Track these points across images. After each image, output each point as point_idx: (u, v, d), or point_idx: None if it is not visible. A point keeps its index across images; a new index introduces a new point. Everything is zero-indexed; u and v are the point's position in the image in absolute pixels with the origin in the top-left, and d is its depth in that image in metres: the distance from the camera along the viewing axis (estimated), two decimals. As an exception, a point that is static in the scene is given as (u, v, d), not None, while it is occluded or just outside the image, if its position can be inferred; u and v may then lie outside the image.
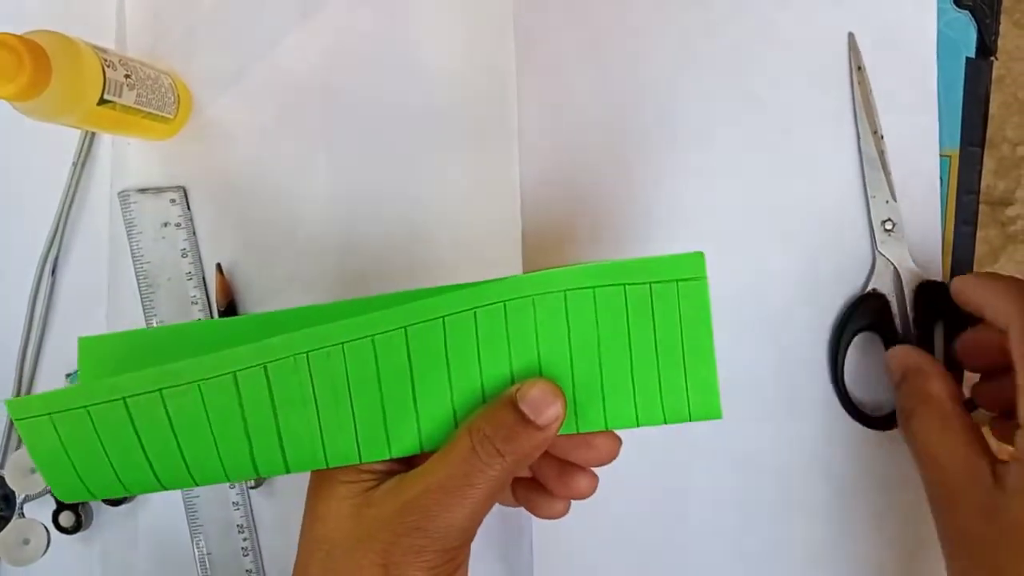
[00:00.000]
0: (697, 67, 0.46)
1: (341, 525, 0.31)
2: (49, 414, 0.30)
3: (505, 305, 0.32)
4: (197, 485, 0.32)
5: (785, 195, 0.46)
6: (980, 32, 0.46)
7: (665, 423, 0.33)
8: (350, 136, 0.46)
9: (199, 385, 0.30)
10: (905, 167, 0.46)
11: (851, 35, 0.46)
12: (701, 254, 0.32)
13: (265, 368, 0.31)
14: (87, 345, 0.34)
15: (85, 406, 0.30)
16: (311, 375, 0.31)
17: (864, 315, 0.45)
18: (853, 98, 0.46)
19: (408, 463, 0.33)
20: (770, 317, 0.46)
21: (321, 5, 0.45)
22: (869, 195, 0.45)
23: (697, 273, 0.32)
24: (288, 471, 0.32)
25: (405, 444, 0.32)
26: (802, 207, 0.46)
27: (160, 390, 0.30)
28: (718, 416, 0.33)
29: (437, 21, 0.46)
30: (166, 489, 0.32)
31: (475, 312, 0.31)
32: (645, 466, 0.46)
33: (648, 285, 0.32)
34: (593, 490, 0.36)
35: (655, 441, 0.44)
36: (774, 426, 0.46)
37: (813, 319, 0.46)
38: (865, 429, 0.46)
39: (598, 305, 0.32)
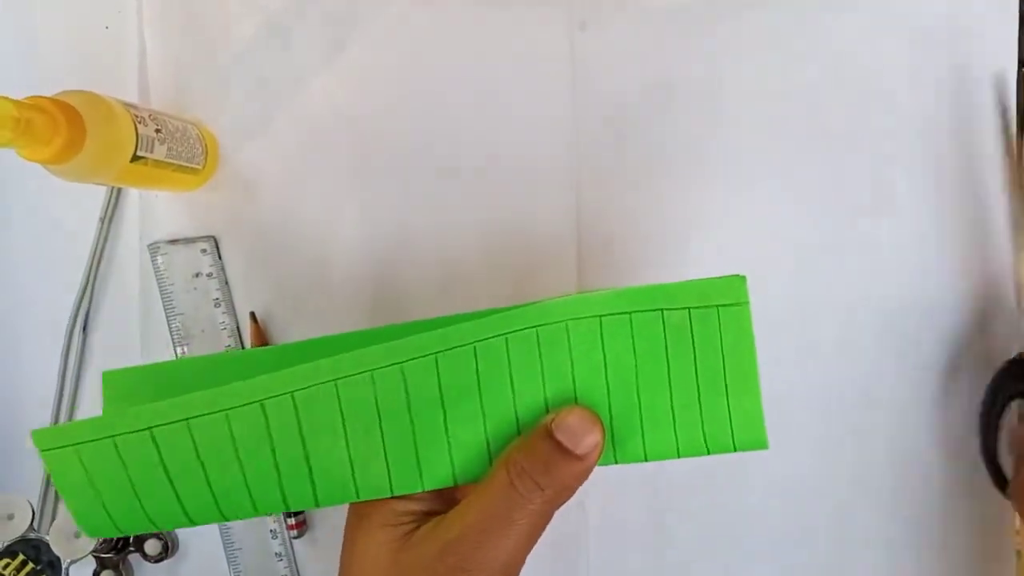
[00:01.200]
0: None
1: (380, 571, 0.30)
2: (75, 444, 0.29)
3: (537, 331, 0.30)
4: (225, 520, 0.31)
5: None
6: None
7: (708, 454, 0.32)
8: (378, 177, 0.45)
9: (227, 414, 0.30)
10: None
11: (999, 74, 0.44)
12: (743, 278, 0.31)
13: (292, 396, 0.30)
14: (111, 379, 0.33)
15: (111, 436, 0.29)
16: (340, 404, 0.30)
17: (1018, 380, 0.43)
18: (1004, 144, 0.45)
19: (447, 503, 0.32)
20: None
21: (345, 47, 0.45)
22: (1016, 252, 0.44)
23: (739, 298, 0.31)
24: (318, 504, 0.31)
25: (438, 476, 0.31)
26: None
27: (187, 419, 0.29)
28: (764, 446, 0.31)
29: (469, 58, 0.45)
30: (193, 524, 0.31)
31: (507, 338, 0.30)
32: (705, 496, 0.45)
33: (687, 310, 0.31)
34: None
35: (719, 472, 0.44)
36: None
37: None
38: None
39: (635, 331, 0.31)
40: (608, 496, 0.46)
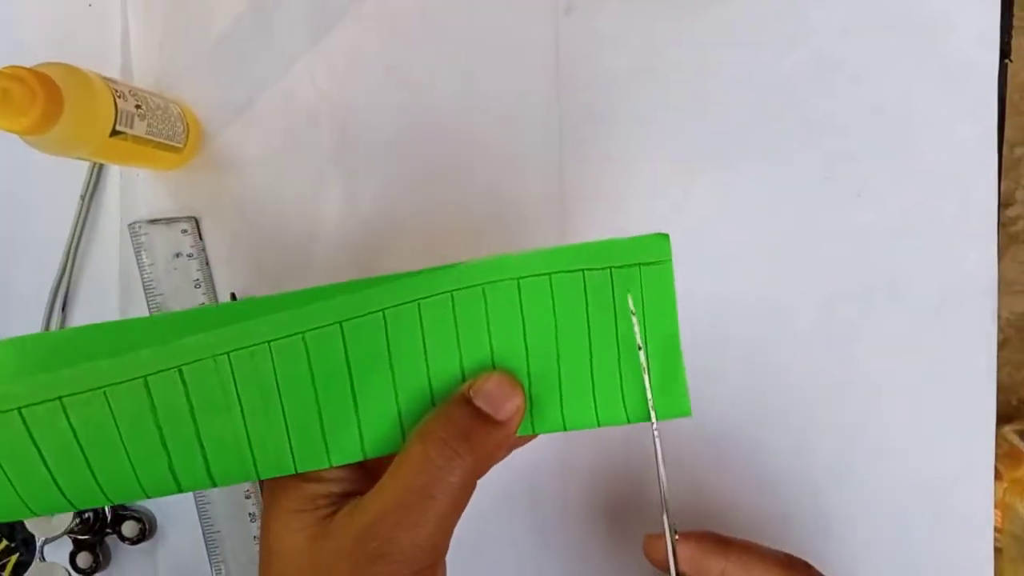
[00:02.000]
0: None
1: (298, 561, 0.29)
2: None
3: (452, 295, 0.29)
4: (111, 502, 0.29)
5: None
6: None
7: (628, 422, 0.30)
8: (361, 159, 0.45)
9: (104, 392, 0.27)
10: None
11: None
12: (666, 235, 0.29)
13: (180, 371, 0.27)
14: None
15: None
16: (234, 377, 0.28)
17: None
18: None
19: (365, 483, 0.30)
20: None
21: (329, 29, 0.45)
22: None
23: (661, 256, 0.29)
24: (215, 484, 0.29)
25: (346, 451, 0.29)
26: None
27: (60, 398, 0.27)
28: (687, 413, 0.30)
29: (453, 41, 0.45)
30: (75, 508, 0.28)
31: (419, 304, 0.29)
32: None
33: (608, 270, 0.29)
34: None
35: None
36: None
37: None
38: None
39: (555, 293, 0.29)
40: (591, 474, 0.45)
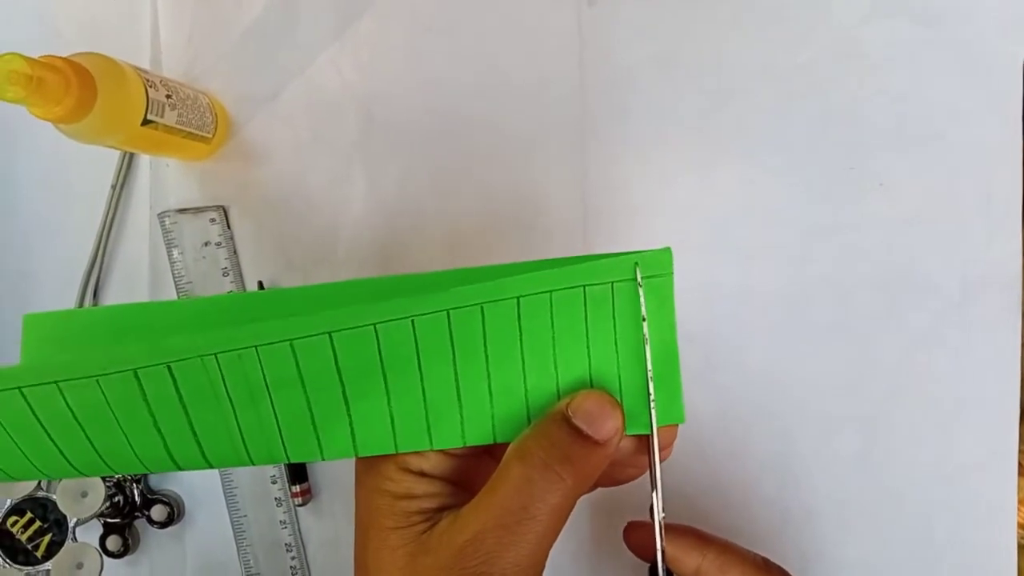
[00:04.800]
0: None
1: None
2: None
3: (449, 314, 0.29)
4: (116, 473, 0.30)
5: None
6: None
7: (627, 433, 0.30)
8: (386, 149, 0.46)
9: (97, 380, 0.28)
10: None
11: None
12: (668, 249, 0.29)
13: (169, 367, 0.28)
14: (32, 322, 0.32)
15: None
16: (222, 374, 0.28)
17: None
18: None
19: (459, 496, 0.30)
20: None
21: (354, 21, 0.45)
22: None
23: (664, 270, 0.29)
24: (211, 466, 0.30)
25: (338, 448, 0.30)
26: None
27: (56, 383, 0.28)
28: (681, 420, 0.30)
29: (477, 33, 0.46)
30: (84, 475, 0.30)
31: (413, 320, 0.29)
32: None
33: (610, 284, 0.29)
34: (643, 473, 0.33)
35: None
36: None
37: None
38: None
39: (554, 310, 0.29)
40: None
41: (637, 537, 0.34)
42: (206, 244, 0.46)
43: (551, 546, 0.28)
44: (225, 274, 0.46)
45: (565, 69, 0.45)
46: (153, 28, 0.46)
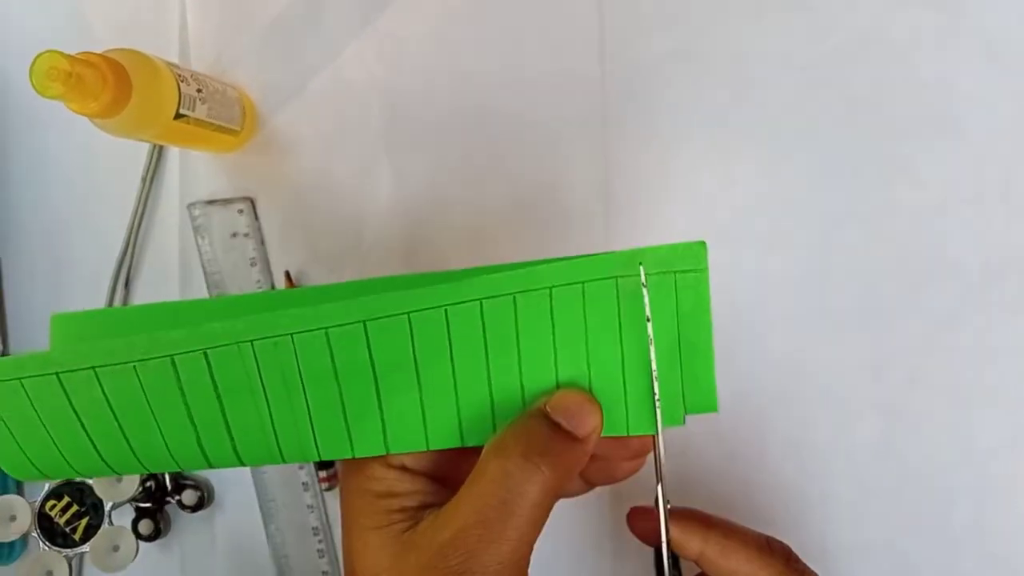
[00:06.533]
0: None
1: None
2: None
3: (482, 303, 0.29)
4: (148, 471, 0.30)
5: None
6: None
7: (655, 430, 0.30)
8: (410, 141, 0.46)
9: (135, 366, 0.28)
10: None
11: None
12: (703, 243, 0.29)
13: (205, 354, 0.28)
14: (60, 322, 0.32)
15: (18, 378, 0.27)
16: (257, 363, 0.28)
17: None
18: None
19: (441, 494, 0.30)
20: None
21: (379, 13, 0.46)
22: None
23: (698, 264, 0.29)
24: (242, 463, 0.30)
25: (370, 445, 0.30)
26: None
27: (94, 368, 0.28)
28: (715, 409, 0.30)
29: (499, 25, 0.46)
30: (117, 473, 0.30)
31: (446, 310, 0.29)
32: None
33: (640, 277, 0.29)
34: (636, 469, 0.34)
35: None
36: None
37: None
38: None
39: (587, 301, 0.29)
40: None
41: (641, 522, 0.34)
42: (234, 235, 0.46)
43: (533, 543, 0.28)
44: (253, 264, 0.47)
45: (587, 60, 0.46)
46: (181, 22, 0.47)
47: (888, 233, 0.45)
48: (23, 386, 0.28)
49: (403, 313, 0.28)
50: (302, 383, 0.29)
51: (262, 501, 0.47)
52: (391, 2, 0.46)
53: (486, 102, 0.46)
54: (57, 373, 0.28)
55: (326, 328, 0.28)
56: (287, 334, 0.28)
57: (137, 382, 0.28)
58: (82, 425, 0.28)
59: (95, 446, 0.29)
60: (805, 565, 0.32)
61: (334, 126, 0.47)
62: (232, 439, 0.29)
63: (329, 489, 0.47)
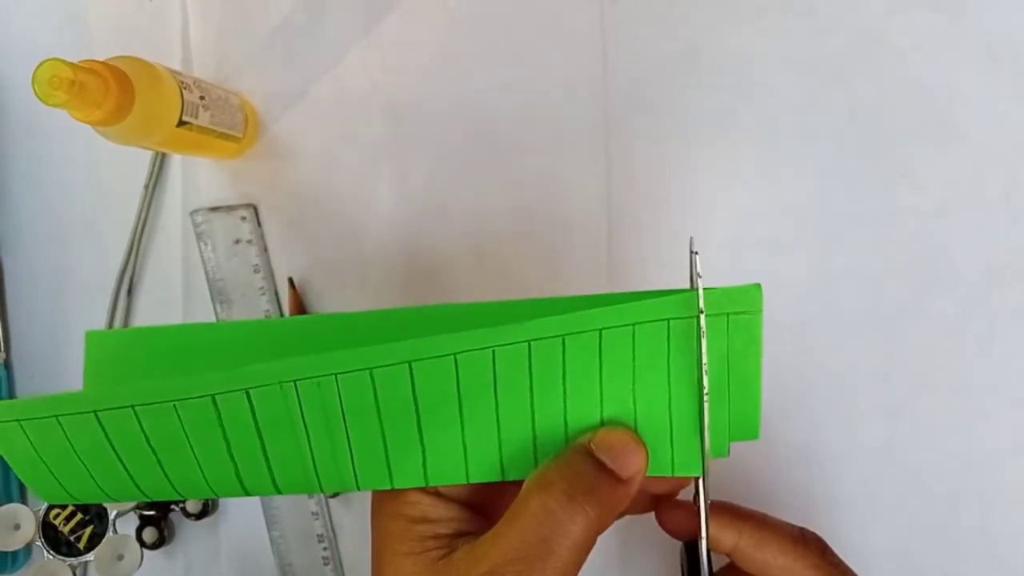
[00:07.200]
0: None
1: None
2: (17, 420, 0.28)
3: (530, 345, 0.29)
4: (182, 498, 0.30)
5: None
6: None
7: (699, 472, 0.30)
8: (412, 147, 0.46)
9: (174, 405, 0.28)
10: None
11: None
12: (758, 286, 0.29)
13: (247, 393, 0.28)
14: (95, 340, 0.32)
15: (55, 415, 0.28)
16: (299, 402, 0.29)
17: None
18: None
19: (477, 523, 0.30)
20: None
21: (382, 20, 0.46)
22: None
23: (752, 307, 0.29)
24: (280, 492, 0.30)
25: (409, 477, 0.30)
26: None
27: (133, 407, 0.28)
28: (756, 437, 0.30)
29: (501, 31, 0.46)
30: (150, 499, 0.30)
31: (493, 351, 0.29)
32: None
33: (695, 318, 0.29)
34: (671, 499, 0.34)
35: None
36: None
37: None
38: None
39: (636, 342, 0.29)
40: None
41: (671, 517, 0.34)
42: (237, 242, 0.46)
43: None
44: (256, 271, 0.47)
45: (589, 66, 0.46)
46: (183, 29, 0.47)
47: (891, 236, 0.45)
48: (59, 422, 0.28)
49: (449, 354, 0.28)
50: (343, 418, 0.29)
51: (266, 508, 0.47)
52: (393, 9, 0.46)
53: (488, 109, 0.46)
54: (95, 411, 0.28)
55: (371, 369, 0.28)
56: (331, 374, 0.28)
57: (177, 420, 0.28)
58: (119, 458, 0.29)
59: (131, 476, 0.29)
60: (839, 558, 0.32)
61: (336, 133, 0.47)
62: (271, 471, 0.29)
63: (334, 496, 0.47)
